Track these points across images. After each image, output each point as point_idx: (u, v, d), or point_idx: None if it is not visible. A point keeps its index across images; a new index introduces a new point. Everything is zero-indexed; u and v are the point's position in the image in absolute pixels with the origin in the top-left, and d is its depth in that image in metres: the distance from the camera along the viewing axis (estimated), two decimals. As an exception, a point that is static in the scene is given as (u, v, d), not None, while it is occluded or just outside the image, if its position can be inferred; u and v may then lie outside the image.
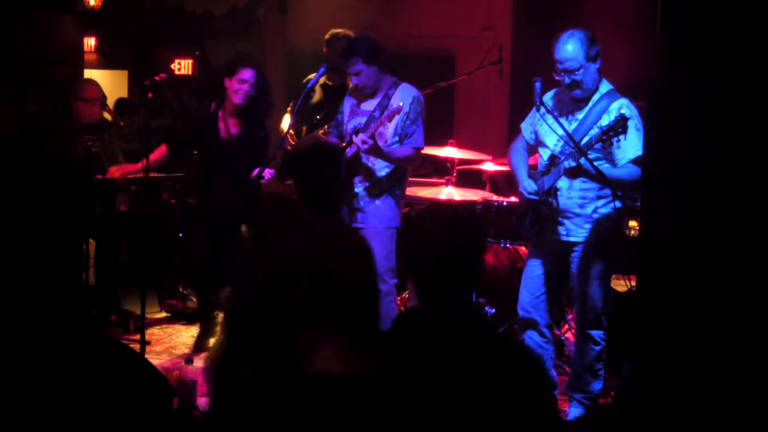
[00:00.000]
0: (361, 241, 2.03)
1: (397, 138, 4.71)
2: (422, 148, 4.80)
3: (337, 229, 2.29)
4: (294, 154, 4.51)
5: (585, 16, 6.54)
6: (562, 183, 4.13)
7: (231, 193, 5.15)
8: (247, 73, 5.11)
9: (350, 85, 4.88)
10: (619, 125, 3.86)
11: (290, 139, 5.64)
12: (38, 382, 3.19)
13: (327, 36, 5.94)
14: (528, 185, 4.22)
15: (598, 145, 4.01)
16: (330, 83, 5.93)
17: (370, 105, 4.81)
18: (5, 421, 3.09)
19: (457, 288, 2.40)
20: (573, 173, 3.97)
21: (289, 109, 6.11)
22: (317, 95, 5.88)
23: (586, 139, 4.03)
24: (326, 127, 5.33)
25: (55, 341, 3.31)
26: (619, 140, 3.91)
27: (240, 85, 5.10)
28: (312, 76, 6.07)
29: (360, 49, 4.68)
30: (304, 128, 5.92)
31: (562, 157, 4.04)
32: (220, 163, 5.23)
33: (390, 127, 4.68)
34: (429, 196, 5.81)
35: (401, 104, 4.57)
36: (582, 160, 3.92)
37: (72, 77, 6.58)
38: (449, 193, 5.81)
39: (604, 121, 4.02)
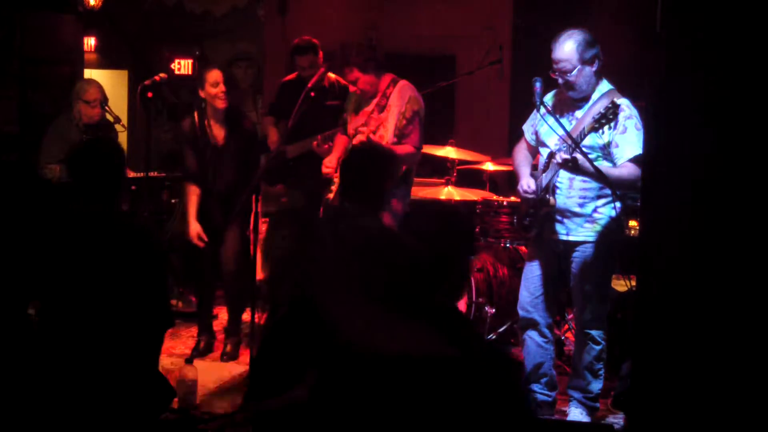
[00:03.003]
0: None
1: (396, 139, 4.75)
2: (420, 147, 4.84)
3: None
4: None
5: (585, 16, 6.53)
6: (563, 182, 4.14)
7: (230, 195, 5.21)
8: (214, 74, 5.14)
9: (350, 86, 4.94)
10: (610, 112, 3.89)
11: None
12: (38, 380, 3.19)
13: (294, 45, 5.94)
14: (525, 183, 4.23)
15: (598, 145, 4.02)
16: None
17: (369, 105, 4.88)
18: (6, 420, 3.09)
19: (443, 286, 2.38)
20: (567, 165, 3.96)
21: (262, 111, 6.13)
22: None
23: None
24: (319, 137, 5.38)
25: (54, 341, 3.30)
26: (610, 128, 3.95)
27: (214, 88, 5.11)
28: (291, 76, 6.06)
29: (355, 58, 4.77)
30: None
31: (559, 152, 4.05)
32: (216, 168, 5.29)
33: (389, 128, 4.72)
34: (429, 196, 5.81)
35: None
36: (577, 154, 3.92)
37: (72, 77, 6.58)
38: (449, 193, 5.81)
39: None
